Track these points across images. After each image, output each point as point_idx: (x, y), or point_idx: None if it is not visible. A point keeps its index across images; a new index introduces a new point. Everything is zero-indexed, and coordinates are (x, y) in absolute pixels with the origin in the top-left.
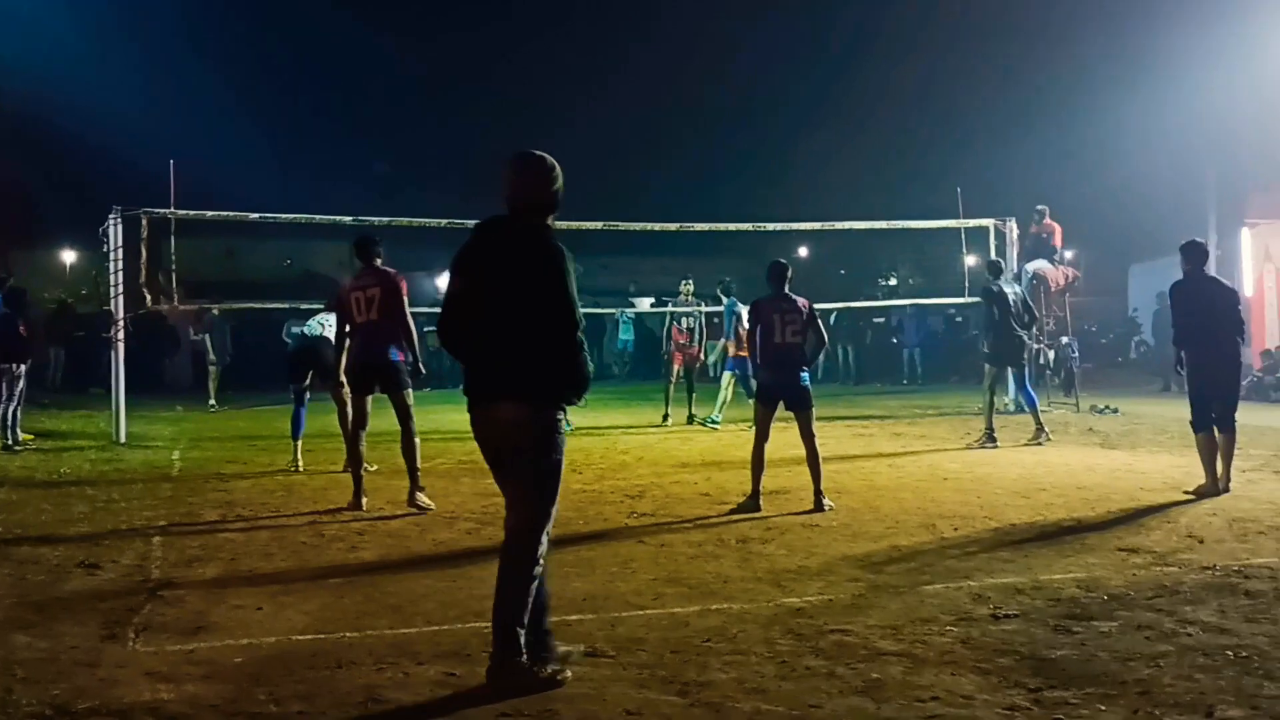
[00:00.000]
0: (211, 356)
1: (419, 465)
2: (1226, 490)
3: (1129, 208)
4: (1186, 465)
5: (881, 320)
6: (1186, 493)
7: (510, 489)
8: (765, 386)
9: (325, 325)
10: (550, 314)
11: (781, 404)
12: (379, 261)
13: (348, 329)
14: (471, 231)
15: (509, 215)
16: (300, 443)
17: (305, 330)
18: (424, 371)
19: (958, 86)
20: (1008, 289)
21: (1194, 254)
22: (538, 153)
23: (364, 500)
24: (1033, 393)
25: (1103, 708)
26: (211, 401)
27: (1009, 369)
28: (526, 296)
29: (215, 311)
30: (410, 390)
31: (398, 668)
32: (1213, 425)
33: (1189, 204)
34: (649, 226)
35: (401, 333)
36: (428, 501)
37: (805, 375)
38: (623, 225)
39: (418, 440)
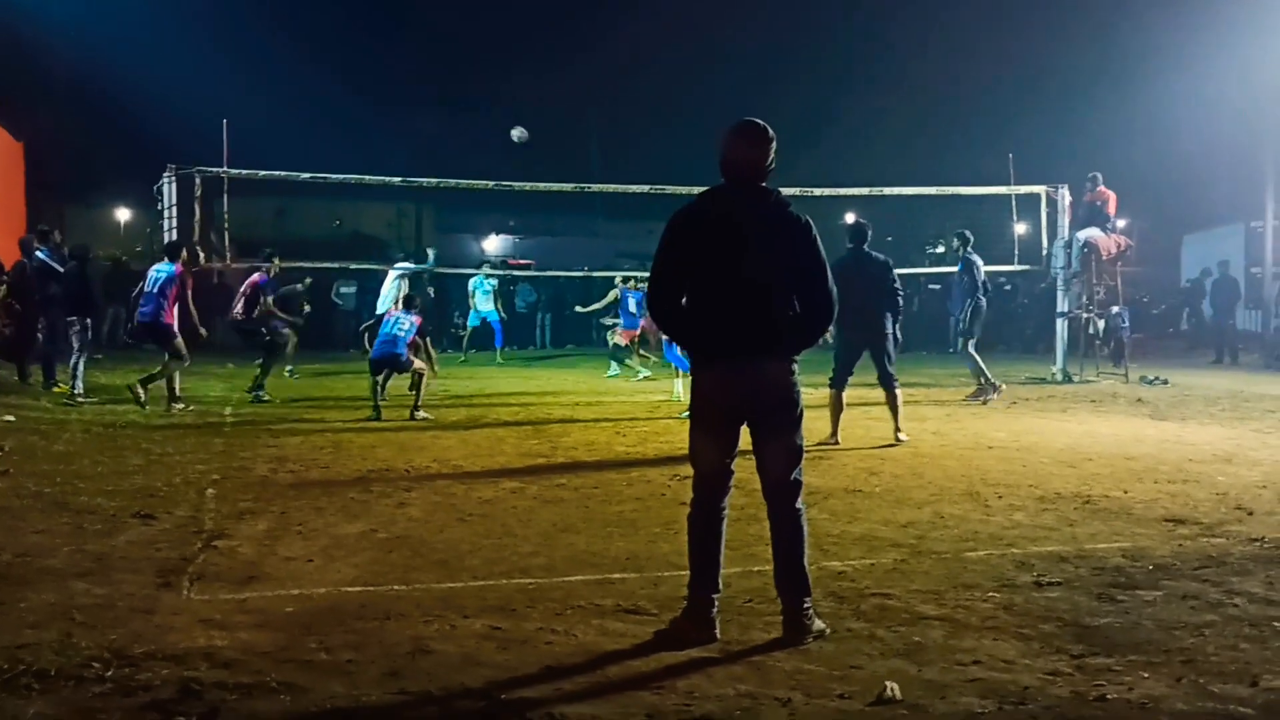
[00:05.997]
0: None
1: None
2: (900, 441)
3: (1184, 177)
4: (1237, 437)
5: (938, 287)
6: (818, 443)
7: (773, 441)
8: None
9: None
10: (812, 274)
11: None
12: None
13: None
14: (699, 200)
15: (737, 183)
16: None
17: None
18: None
19: (1011, 51)
20: None
21: (854, 233)
22: (759, 121)
23: None
24: None
25: (1146, 675)
26: (289, 368)
27: None
28: (789, 260)
29: (301, 286)
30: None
31: (444, 620)
32: (846, 385)
33: (1245, 174)
34: (694, 190)
35: None
36: None
37: None
38: (668, 189)
39: None
